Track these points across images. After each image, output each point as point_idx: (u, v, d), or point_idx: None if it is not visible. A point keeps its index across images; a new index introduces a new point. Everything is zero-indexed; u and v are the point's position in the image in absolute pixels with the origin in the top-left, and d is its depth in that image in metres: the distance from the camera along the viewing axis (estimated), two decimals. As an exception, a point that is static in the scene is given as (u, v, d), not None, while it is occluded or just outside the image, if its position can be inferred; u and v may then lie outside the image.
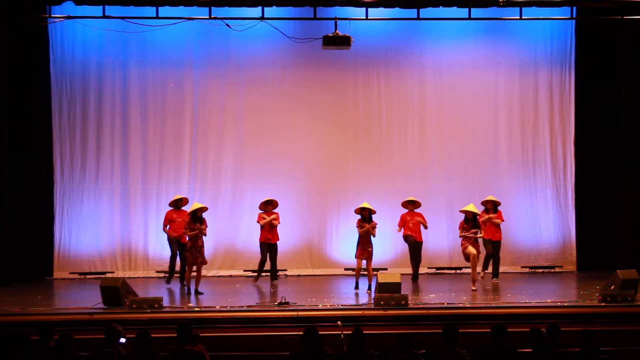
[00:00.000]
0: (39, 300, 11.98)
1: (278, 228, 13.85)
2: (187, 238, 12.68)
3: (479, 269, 13.28)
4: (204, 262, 12.65)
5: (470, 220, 12.83)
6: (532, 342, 7.55)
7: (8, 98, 13.95)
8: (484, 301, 11.73)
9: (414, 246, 13.93)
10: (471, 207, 13.00)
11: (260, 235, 13.75)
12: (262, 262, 13.81)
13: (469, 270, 13.08)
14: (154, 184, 15.07)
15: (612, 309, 10.87)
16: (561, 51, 15.45)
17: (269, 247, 13.75)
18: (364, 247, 12.66)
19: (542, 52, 15.46)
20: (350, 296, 12.31)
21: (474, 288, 12.58)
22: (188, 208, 13.25)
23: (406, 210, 14.02)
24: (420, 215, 13.99)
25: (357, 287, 12.78)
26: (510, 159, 15.50)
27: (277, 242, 13.87)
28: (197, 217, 12.54)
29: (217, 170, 15.18)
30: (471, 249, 12.70)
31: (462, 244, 12.89)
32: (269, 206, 13.80)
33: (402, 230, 13.93)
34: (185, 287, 12.77)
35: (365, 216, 12.68)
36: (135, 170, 15.07)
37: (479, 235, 12.94)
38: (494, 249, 13.92)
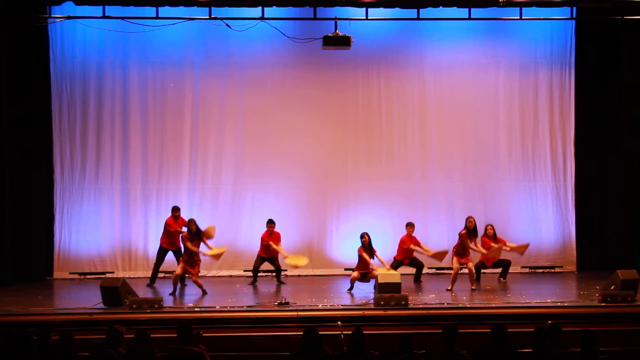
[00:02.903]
0: (39, 300, 11.98)
1: (280, 227, 13.96)
2: (183, 247, 12.74)
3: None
4: (196, 274, 12.60)
5: (472, 232, 12.97)
6: (536, 341, 7.54)
7: (8, 98, 13.94)
8: (484, 301, 11.73)
9: (416, 265, 14.01)
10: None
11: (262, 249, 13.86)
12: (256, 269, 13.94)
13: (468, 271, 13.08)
14: (154, 184, 15.07)
15: (612, 309, 10.89)
16: (561, 51, 15.45)
17: (269, 260, 13.89)
18: (366, 268, 12.68)
19: (542, 52, 15.46)
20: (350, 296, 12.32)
21: (449, 288, 12.73)
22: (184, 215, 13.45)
23: (405, 233, 13.89)
24: (415, 238, 13.92)
25: (351, 288, 12.76)
26: (510, 159, 15.50)
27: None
28: (198, 234, 12.57)
29: (217, 170, 15.17)
30: (456, 264, 12.84)
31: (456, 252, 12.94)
32: (273, 225, 13.85)
33: (403, 255, 13.84)
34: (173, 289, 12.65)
35: (366, 243, 12.67)
36: (135, 170, 15.06)
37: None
38: (500, 263, 13.88)
